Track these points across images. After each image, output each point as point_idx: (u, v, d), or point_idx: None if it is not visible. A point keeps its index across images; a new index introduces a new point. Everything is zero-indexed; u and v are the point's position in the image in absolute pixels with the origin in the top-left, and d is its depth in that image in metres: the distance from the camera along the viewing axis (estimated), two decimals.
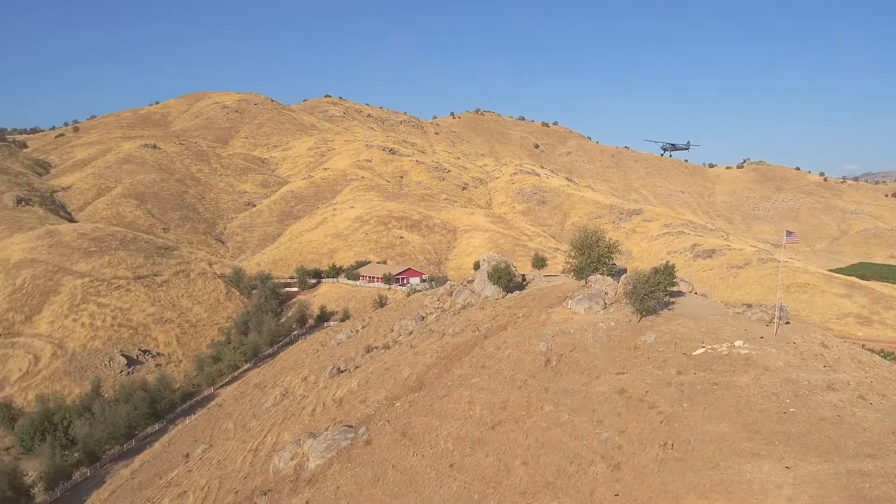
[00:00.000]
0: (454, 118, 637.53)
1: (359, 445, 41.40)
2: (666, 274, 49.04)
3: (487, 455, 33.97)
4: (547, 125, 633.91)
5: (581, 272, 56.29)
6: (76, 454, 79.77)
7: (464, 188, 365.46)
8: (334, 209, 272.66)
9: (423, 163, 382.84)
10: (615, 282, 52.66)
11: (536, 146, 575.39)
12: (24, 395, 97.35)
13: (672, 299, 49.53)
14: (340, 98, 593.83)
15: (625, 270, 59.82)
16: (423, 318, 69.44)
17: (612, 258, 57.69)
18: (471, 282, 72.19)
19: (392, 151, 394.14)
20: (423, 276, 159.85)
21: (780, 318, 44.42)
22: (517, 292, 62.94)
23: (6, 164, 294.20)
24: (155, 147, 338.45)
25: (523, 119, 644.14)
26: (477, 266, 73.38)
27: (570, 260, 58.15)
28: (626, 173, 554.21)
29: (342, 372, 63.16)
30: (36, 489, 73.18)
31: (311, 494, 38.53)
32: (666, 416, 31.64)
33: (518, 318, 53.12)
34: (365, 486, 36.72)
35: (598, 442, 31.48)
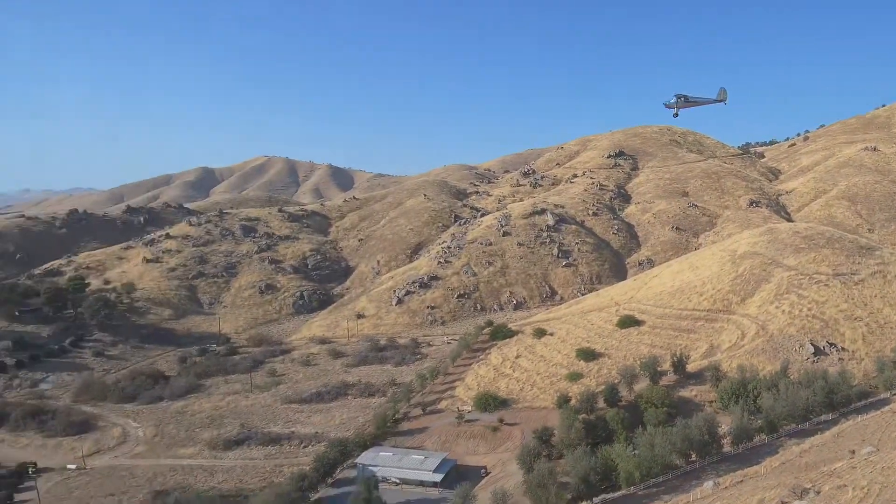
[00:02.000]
0: None
1: None
2: None
3: None
4: None
5: None
6: (759, 421, 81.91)
7: None
8: None
9: None
10: None
11: None
12: (728, 363, 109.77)
13: None
14: None
15: None
16: None
17: None
18: None
19: None
20: None
21: None
22: None
23: (745, 172, 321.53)
24: (874, 149, 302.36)
25: None
26: None
27: None
28: None
29: None
30: (725, 440, 78.13)
31: None
32: None
33: None
34: None
35: None
